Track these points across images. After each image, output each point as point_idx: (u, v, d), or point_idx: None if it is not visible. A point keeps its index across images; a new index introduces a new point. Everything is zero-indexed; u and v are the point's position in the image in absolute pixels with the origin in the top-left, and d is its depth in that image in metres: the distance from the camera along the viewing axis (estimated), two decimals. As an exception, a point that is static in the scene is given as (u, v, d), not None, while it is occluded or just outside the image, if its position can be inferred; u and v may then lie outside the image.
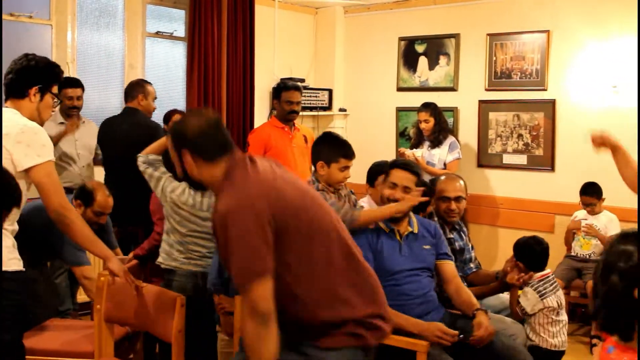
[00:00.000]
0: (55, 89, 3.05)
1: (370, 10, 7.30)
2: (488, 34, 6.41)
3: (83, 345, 3.42)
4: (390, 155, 6.77)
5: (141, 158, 3.69)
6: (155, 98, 5.21)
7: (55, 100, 3.07)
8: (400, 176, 3.48)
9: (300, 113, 6.77)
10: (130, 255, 4.19)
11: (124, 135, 4.90)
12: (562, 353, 3.80)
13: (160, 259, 3.72)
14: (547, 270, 3.87)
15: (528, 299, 3.73)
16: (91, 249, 3.06)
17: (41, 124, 3.02)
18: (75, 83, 5.07)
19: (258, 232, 2.19)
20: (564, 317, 3.81)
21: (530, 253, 3.86)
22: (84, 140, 5.15)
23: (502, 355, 3.24)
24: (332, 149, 3.80)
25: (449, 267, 3.57)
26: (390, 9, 7.14)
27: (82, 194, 4.00)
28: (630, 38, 5.62)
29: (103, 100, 5.91)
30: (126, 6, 6.04)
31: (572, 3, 5.98)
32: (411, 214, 3.56)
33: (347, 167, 3.78)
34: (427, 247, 3.52)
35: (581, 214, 5.51)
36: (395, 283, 3.37)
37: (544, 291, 3.77)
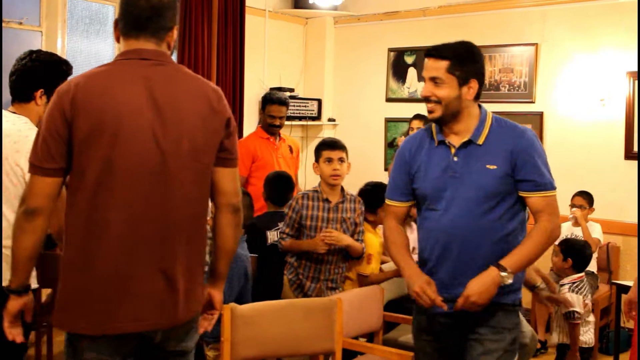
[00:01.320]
0: None
1: (360, 21, 7.33)
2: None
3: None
4: (379, 166, 6.82)
5: None
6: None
7: None
8: (428, 66, 2.72)
9: (290, 122, 6.81)
10: None
11: None
12: (591, 349, 3.98)
13: None
14: (582, 274, 4.03)
15: (576, 302, 3.86)
16: None
17: None
18: None
19: (52, 126, 2.07)
20: (592, 317, 3.99)
21: (582, 253, 4.10)
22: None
23: None
24: (317, 147, 3.95)
25: (532, 201, 2.65)
26: (380, 20, 7.17)
27: None
28: (618, 51, 5.68)
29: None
30: (117, 13, 6.04)
31: (560, 17, 6.03)
32: (489, 118, 2.77)
33: (331, 159, 3.83)
34: (492, 167, 2.63)
35: (565, 225, 5.55)
36: (431, 213, 2.70)
37: (579, 293, 3.93)
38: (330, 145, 3.88)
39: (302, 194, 3.96)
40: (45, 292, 4.11)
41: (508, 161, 2.64)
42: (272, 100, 5.31)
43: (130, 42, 2.19)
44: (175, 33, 2.25)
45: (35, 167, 2.08)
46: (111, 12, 6.03)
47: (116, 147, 2.06)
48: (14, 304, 2.20)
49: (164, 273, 2.14)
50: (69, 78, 2.87)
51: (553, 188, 2.71)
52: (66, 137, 2.06)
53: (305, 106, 7.23)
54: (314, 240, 3.82)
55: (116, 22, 2.24)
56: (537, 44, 6.13)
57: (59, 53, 5.55)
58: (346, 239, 3.85)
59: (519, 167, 2.64)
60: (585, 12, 5.88)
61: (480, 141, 2.67)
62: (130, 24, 2.17)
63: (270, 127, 5.35)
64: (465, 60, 2.71)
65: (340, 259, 3.94)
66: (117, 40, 2.26)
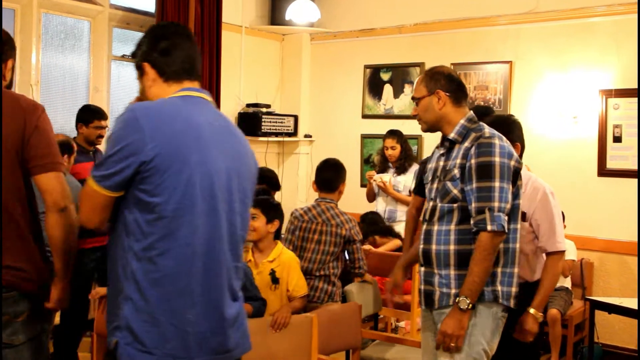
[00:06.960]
0: None
1: (336, 38, 7.37)
2: (452, 64, 6.50)
3: None
4: (355, 182, 6.82)
5: None
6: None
7: None
8: None
9: (266, 139, 6.82)
10: None
11: None
12: None
13: None
14: None
15: None
16: None
17: None
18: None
19: None
20: None
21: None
22: None
23: None
24: None
25: None
26: (356, 37, 7.21)
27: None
28: (590, 70, 5.76)
29: (67, 123, 5.86)
30: (92, 29, 6.02)
31: (533, 35, 6.11)
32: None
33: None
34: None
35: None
36: None
37: None
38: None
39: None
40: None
41: None
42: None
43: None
44: (9, 65, 2.29)
45: None
46: (86, 27, 6.00)
47: None
48: None
49: None
50: None
51: None
52: None
53: (281, 122, 7.23)
54: None
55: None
56: (511, 61, 6.20)
57: (33, 68, 5.51)
58: None
59: None
60: (557, 31, 5.96)
61: None
62: None
63: None
64: None
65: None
66: None
